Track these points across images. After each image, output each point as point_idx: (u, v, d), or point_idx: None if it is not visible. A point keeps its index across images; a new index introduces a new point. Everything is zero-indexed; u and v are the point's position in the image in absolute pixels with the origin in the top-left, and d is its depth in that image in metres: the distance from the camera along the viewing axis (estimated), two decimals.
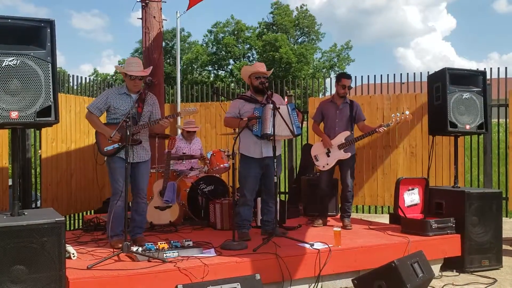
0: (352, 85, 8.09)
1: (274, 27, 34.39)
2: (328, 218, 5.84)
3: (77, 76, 7.76)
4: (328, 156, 5.46)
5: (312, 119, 5.82)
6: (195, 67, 33.97)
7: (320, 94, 13.97)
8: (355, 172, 7.39)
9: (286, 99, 8.00)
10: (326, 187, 5.60)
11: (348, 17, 61.82)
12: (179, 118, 8.40)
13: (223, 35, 34.28)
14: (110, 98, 4.42)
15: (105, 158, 4.44)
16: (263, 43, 31.98)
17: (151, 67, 4.65)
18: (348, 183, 5.46)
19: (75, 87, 7.84)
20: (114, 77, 33.60)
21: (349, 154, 5.42)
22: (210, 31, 34.95)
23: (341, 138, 5.41)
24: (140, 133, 4.45)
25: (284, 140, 8.12)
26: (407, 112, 5.34)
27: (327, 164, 5.47)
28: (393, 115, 5.42)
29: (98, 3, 66.39)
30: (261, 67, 4.88)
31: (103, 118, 4.54)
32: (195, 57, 33.21)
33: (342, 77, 5.56)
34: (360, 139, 5.47)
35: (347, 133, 5.43)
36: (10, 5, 59.58)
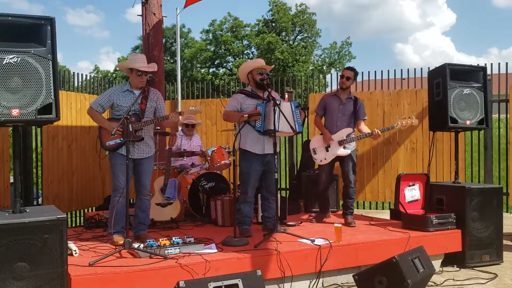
0: None
1: (273, 24, 34.35)
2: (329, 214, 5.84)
3: (77, 74, 7.78)
4: (327, 151, 5.40)
5: (315, 112, 5.72)
6: (196, 64, 33.94)
7: (322, 91, 13.98)
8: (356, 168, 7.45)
9: (286, 96, 8.01)
10: (325, 182, 5.55)
11: (345, 13, 61.73)
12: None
13: (221, 32, 34.23)
14: (113, 96, 4.46)
15: (107, 153, 4.48)
16: (260, 42, 32.01)
17: (155, 63, 4.66)
18: (350, 179, 5.39)
19: (75, 84, 7.85)
20: (114, 74, 33.55)
21: (348, 152, 5.35)
22: (207, 30, 34.95)
23: (342, 134, 5.35)
24: (143, 130, 4.47)
25: (285, 137, 8.13)
26: (414, 118, 5.34)
27: (325, 159, 5.42)
28: (399, 119, 5.35)
29: None
30: (262, 62, 4.89)
31: (106, 116, 4.60)
32: (197, 53, 33.16)
33: (345, 68, 5.55)
34: (361, 138, 5.41)
35: (350, 130, 5.36)
36: (3, 2, 59.42)
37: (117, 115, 4.46)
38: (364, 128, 5.43)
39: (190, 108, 4.67)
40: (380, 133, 5.24)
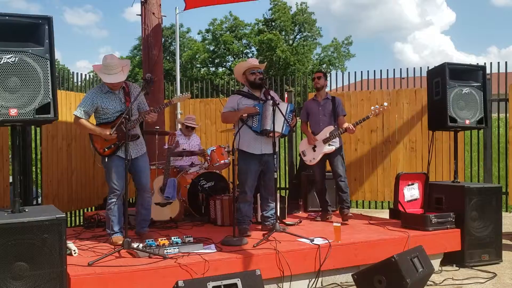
0: (352, 80, 8.17)
1: (273, 23, 34.29)
2: None
3: (77, 73, 7.78)
4: (314, 150, 5.59)
5: (300, 119, 5.97)
6: (195, 63, 33.90)
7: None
8: (355, 168, 7.46)
9: (286, 95, 8.01)
10: (321, 181, 5.73)
11: (344, 12, 61.67)
12: (179, 114, 8.43)
13: (221, 32, 34.17)
14: (96, 100, 4.32)
15: (105, 158, 4.37)
16: (260, 41, 31.95)
17: (127, 61, 4.51)
18: (340, 173, 5.51)
19: (76, 83, 7.84)
20: None
21: (333, 148, 5.52)
22: (208, 30, 34.87)
23: (325, 132, 5.54)
24: (135, 128, 4.43)
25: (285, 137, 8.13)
26: (386, 104, 5.48)
27: (314, 158, 5.61)
28: (372, 107, 5.53)
29: None
30: (254, 61, 4.94)
31: (91, 121, 4.45)
32: (195, 54, 33.15)
33: (315, 71, 5.73)
34: (342, 133, 5.54)
35: (331, 127, 5.54)
36: (1, 1, 59.32)
37: (104, 119, 4.36)
38: (345, 124, 5.57)
39: (178, 95, 4.62)
40: (353, 128, 5.40)
